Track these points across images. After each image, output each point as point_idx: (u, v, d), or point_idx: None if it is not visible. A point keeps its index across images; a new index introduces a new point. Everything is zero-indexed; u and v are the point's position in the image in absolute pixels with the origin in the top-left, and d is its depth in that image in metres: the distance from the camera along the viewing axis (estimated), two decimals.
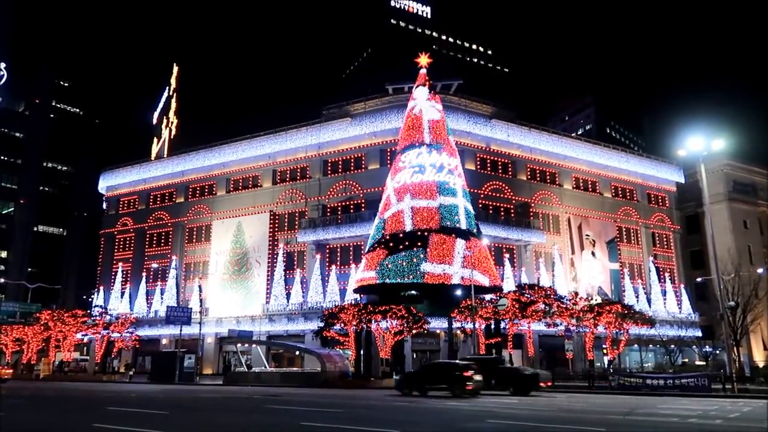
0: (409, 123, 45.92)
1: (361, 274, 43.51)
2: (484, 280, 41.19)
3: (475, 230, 43.33)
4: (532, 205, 55.12)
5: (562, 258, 54.83)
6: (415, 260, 40.57)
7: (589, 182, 60.33)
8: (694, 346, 52.67)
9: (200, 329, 47.20)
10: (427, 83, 46.90)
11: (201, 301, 52.46)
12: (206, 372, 51.66)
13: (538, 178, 57.13)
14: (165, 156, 79.63)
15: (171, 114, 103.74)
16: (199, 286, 55.47)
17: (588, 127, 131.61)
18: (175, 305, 53.80)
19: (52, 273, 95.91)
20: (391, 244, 41.92)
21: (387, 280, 40.88)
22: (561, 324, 39.96)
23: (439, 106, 46.22)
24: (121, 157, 74.77)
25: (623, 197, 61.90)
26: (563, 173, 58.42)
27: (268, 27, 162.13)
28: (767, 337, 59.27)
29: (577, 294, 43.37)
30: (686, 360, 54.34)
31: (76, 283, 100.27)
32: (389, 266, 40.85)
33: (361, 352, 40.38)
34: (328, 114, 56.07)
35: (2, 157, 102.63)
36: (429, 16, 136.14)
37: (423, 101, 45.88)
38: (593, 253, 56.97)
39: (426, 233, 41.31)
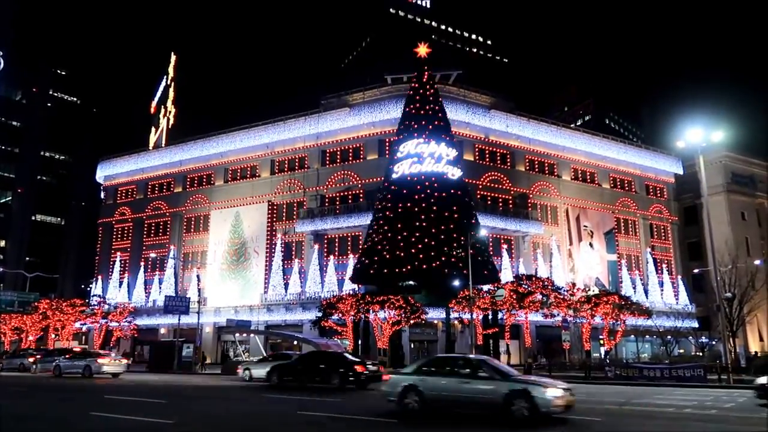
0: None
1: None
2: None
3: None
4: (531, 196, 55.11)
5: (560, 249, 54.90)
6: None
7: (588, 173, 60.29)
8: (691, 337, 52.76)
9: (198, 319, 47.19)
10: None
11: (199, 290, 52.39)
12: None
13: (537, 169, 57.06)
14: (163, 145, 79.40)
15: (169, 103, 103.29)
16: (198, 276, 55.35)
17: (587, 118, 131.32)
18: (174, 295, 53.85)
19: (50, 262, 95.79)
20: (389, 235, 41.79)
21: (385, 269, 40.76)
22: (558, 314, 40.04)
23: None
24: (119, 147, 74.58)
25: (621, 188, 61.90)
26: (562, 164, 58.36)
27: (266, 16, 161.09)
28: (763, 328, 59.51)
29: (574, 285, 43.40)
30: (682, 351, 54.46)
31: (75, 273, 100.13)
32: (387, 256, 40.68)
33: (359, 342, 40.49)
34: (327, 104, 55.87)
35: (0, 147, 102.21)
36: (428, 6, 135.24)
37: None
38: (591, 244, 57.04)
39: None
